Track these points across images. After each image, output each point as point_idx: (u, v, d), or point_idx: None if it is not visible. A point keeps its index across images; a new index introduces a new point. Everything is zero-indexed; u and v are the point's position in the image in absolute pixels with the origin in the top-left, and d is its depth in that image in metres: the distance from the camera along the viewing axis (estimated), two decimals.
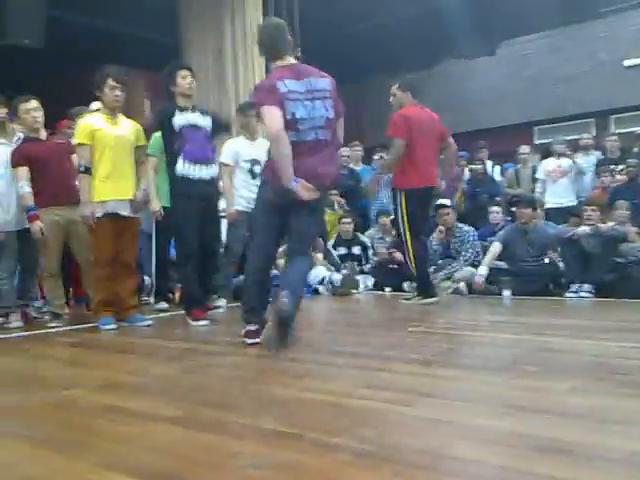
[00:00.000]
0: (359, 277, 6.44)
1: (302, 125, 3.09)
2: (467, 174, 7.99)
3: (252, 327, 3.13)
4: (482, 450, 1.47)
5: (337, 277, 6.26)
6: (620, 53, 9.80)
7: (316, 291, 6.16)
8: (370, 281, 6.48)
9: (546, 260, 5.70)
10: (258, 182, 5.23)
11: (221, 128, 4.43)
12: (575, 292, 5.26)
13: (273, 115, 3.00)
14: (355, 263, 6.64)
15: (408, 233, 4.86)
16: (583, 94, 10.13)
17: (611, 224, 5.38)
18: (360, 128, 11.98)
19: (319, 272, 6.24)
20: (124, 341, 3.62)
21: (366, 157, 8.22)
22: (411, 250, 4.88)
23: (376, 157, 7.67)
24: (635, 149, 7.04)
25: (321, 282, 6.24)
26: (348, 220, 6.82)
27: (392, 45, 10.87)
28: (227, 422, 1.78)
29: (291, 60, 3.28)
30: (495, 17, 9.74)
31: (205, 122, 4.18)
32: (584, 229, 5.32)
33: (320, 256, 6.40)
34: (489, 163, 8.08)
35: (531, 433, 1.57)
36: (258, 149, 5.15)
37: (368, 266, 6.68)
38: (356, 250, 6.76)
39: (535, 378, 2.21)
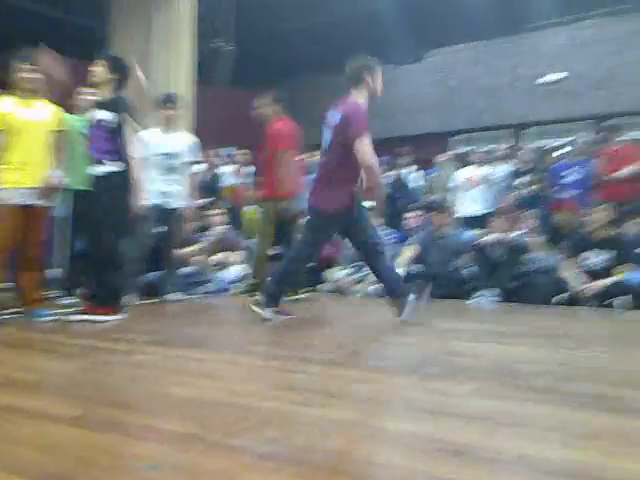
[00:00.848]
0: None
1: None
2: (389, 179, 8.16)
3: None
4: (386, 452, 1.50)
5: None
6: (537, 69, 10.28)
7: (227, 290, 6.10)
8: None
9: (456, 265, 5.90)
10: (174, 176, 5.16)
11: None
12: (482, 297, 5.47)
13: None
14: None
15: (265, 239, 5.26)
16: (500, 106, 10.55)
17: (516, 233, 5.65)
18: None
19: (238, 271, 6.19)
20: (23, 336, 3.45)
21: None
22: (262, 254, 5.28)
23: (302, 157, 7.69)
24: (544, 162, 7.41)
25: (238, 280, 6.19)
26: None
27: (323, 46, 10.94)
28: (127, 422, 1.73)
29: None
30: (424, 25, 9.98)
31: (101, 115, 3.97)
32: (491, 237, 5.54)
33: (238, 255, 6.36)
34: (413, 169, 8.27)
35: (433, 435, 1.61)
36: (174, 142, 5.04)
37: None
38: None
39: (438, 380, 2.28)
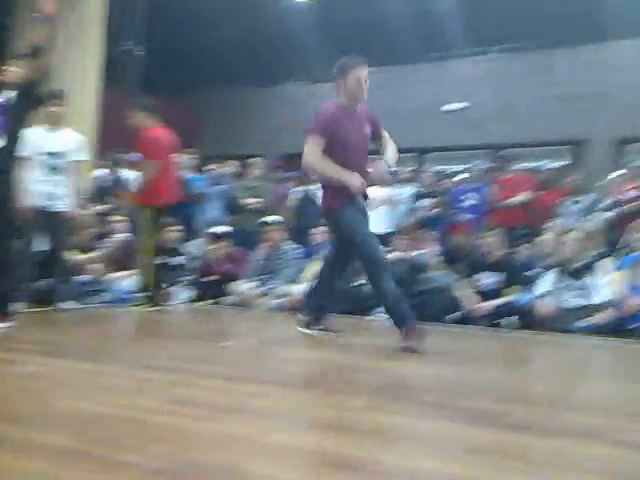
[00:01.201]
0: (177, 288, 6.31)
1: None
2: (294, 194, 8.23)
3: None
4: (277, 466, 1.51)
5: None
6: (440, 97, 10.74)
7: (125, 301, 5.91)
8: (189, 293, 6.37)
9: (359, 282, 6.03)
10: (59, 177, 4.96)
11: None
12: (381, 314, 5.61)
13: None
14: (175, 273, 6.49)
15: (147, 246, 5.25)
16: (405, 131, 10.92)
17: (417, 253, 5.87)
18: (199, 137, 11.85)
19: (132, 281, 6.01)
20: None
21: (202, 166, 8.16)
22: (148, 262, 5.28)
23: (210, 167, 7.65)
24: (445, 185, 7.75)
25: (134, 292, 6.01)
26: (174, 229, 6.67)
27: (236, 59, 10.94)
28: (12, 436, 1.64)
29: None
30: (333, 47, 10.18)
31: None
32: (392, 256, 5.72)
33: None
34: (314, 186, 8.37)
35: (325, 449, 1.64)
36: (59, 141, 4.86)
37: (189, 278, 6.58)
38: (178, 260, 6.62)
39: (334, 395, 2.32)
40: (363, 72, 3.71)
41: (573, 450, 1.74)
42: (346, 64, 3.73)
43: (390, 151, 3.89)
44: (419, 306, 5.58)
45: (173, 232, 6.61)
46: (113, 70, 8.51)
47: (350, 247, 3.71)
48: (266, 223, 6.40)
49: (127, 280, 5.95)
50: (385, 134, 3.99)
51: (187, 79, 11.51)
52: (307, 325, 3.89)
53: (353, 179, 3.56)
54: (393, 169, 4.00)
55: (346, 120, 3.72)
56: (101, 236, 6.25)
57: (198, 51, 10.87)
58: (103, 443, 1.61)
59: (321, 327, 3.87)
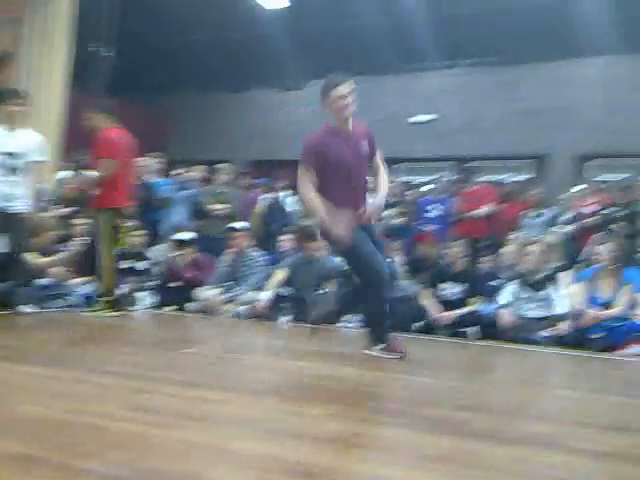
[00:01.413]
0: (141, 294, 6.23)
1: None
2: (262, 202, 8.23)
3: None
4: (239, 474, 1.50)
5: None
6: (409, 108, 10.86)
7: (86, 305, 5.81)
8: (152, 299, 6.30)
9: (325, 290, 6.05)
10: (16, 177, 4.87)
11: None
12: (348, 322, 5.63)
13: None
14: (138, 279, 6.41)
15: (107, 250, 5.21)
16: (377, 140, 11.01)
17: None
18: (165, 141, 11.76)
19: (93, 286, 5.92)
20: None
21: (169, 170, 8.10)
22: (108, 265, 5.24)
23: (176, 172, 7.59)
24: (408, 197, 7.83)
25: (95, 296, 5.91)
26: (139, 233, 6.60)
27: (207, 64, 10.89)
28: None
29: None
30: (305, 55, 10.23)
31: None
32: None
33: None
34: (283, 193, 8.39)
35: (284, 456, 1.63)
36: (18, 141, 4.78)
37: (152, 283, 6.50)
38: (142, 265, 6.54)
39: (296, 403, 2.32)
40: (344, 89, 3.65)
41: (533, 458, 1.77)
42: (327, 85, 3.69)
43: (382, 186, 3.81)
44: None
45: (138, 236, 6.53)
46: (81, 71, 8.38)
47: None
48: (233, 229, 6.37)
49: (88, 284, 5.85)
50: (378, 160, 3.90)
51: (157, 82, 11.42)
52: (371, 346, 3.73)
53: (334, 223, 3.48)
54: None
55: (336, 141, 3.67)
56: (63, 239, 6.13)
57: (169, 54, 10.79)
58: (62, 450, 1.57)
59: (382, 347, 3.69)
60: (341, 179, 3.61)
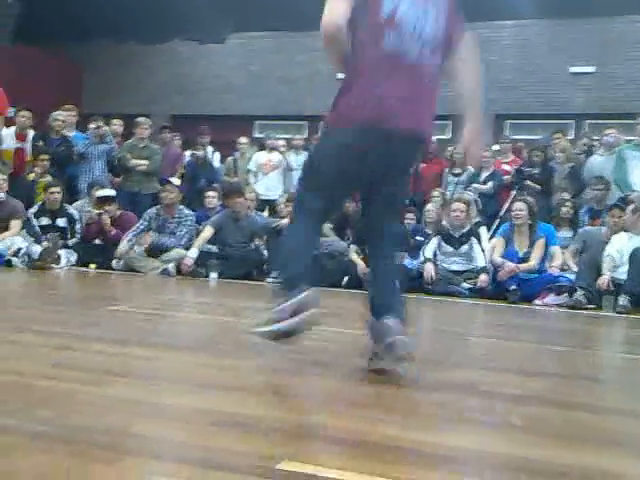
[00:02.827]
0: (62, 251, 6.01)
1: (406, 28, 2.06)
2: (187, 157, 8.04)
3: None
4: (165, 427, 1.50)
5: (36, 249, 5.75)
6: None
7: (9, 263, 5.58)
8: (74, 256, 6.10)
9: (252, 247, 6.04)
10: None
11: None
12: (275, 278, 5.66)
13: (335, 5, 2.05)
14: (58, 235, 6.17)
15: None
16: (300, 97, 10.90)
17: None
18: (77, 93, 11.18)
19: (14, 242, 5.67)
20: None
21: (82, 124, 7.72)
22: None
23: (92, 125, 7.25)
24: None
25: (16, 253, 5.67)
26: (57, 189, 6.31)
27: (122, 13, 10.32)
28: None
29: None
30: (227, 7, 9.91)
31: None
32: (286, 221, 5.76)
33: (18, 224, 5.83)
34: (209, 149, 8.22)
35: (213, 409, 1.64)
36: None
37: (73, 240, 6.28)
38: (61, 222, 6.29)
39: (226, 357, 2.33)
40: None
41: (451, 403, 1.86)
42: None
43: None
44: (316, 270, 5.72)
45: (56, 193, 6.27)
46: None
47: None
48: (168, 182, 6.21)
49: (7, 240, 5.62)
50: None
51: (68, 30, 10.72)
52: None
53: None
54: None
55: None
56: None
57: (79, 1, 10.14)
58: None
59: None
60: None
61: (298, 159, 7.63)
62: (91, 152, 7.13)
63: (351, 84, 2.13)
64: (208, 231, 6.02)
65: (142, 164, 7.12)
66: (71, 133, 7.33)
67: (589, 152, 7.20)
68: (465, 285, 5.59)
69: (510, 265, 5.41)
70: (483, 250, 5.75)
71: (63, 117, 7.11)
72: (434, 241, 5.83)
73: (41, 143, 6.91)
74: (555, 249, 5.74)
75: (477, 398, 1.93)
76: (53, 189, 6.26)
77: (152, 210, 6.19)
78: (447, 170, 7.51)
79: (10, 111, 7.59)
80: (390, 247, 2.29)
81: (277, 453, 1.32)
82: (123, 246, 5.94)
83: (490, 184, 7.06)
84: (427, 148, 2.08)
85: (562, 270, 5.65)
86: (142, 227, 6.11)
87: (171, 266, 5.80)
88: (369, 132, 2.07)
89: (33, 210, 6.27)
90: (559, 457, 1.41)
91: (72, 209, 6.45)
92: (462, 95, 2.23)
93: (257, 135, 10.78)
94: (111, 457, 1.28)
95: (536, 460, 1.38)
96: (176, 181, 6.37)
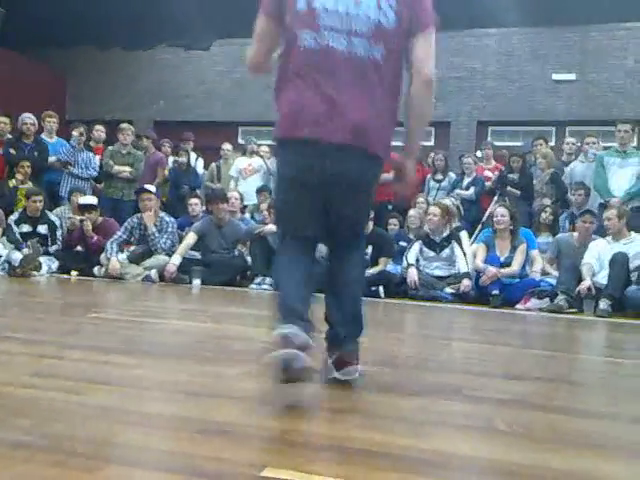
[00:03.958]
0: (43, 258, 5.95)
1: (324, 21, 1.78)
2: (170, 163, 8.00)
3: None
4: (149, 436, 1.48)
5: (16, 256, 5.69)
6: None
7: None
8: (55, 263, 6.04)
9: (236, 253, 6.03)
10: None
11: None
12: (259, 284, 5.66)
13: None
14: (39, 242, 6.10)
15: None
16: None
17: None
18: (61, 99, 11.11)
19: None
20: None
21: (65, 131, 7.65)
22: None
23: (75, 133, 7.19)
24: None
25: None
26: (38, 198, 6.25)
27: (106, 19, 10.27)
28: None
29: None
30: (211, 14, 9.90)
31: None
32: (271, 227, 5.75)
33: None
34: (193, 155, 8.18)
35: (198, 417, 1.63)
36: None
37: (55, 247, 6.22)
38: (42, 229, 6.23)
39: (209, 364, 2.31)
40: None
41: (434, 407, 1.86)
42: None
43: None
44: None
45: (38, 201, 6.20)
46: None
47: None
48: (146, 190, 6.17)
49: None
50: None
51: (51, 36, 10.66)
52: None
53: None
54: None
55: None
56: None
57: (62, 7, 10.07)
58: None
59: None
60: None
61: None
62: (73, 159, 7.06)
63: (279, 96, 1.89)
64: (191, 237, 5.99)
65: (125, 170, 7.08)
66: (51, 140, 7.27)
67: (576, 154, 7.18)
68: (448, 290, 5.62)
69: (492, 270, 5.44)
70: (465, 254, 5.79)
71: (32, 120, 7.01)
72: (416, 246, 5.86)
73: (12, 151, 6.78)
74: (535, 253, 5.80)
75: (461, 402, 1.93)
76: (35, 197, 6.19)
77: (134, 219, 6.13)
78: (429, 176, 7.55)
79: None
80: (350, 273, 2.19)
81: (262, 460, 1.32)
82: (108, 254, 5.89)
83: (472, 190, 7.11)
84: (383, 161, 1.80)
85: (543, 274, 5.71)
86: (124, 237, 6.05)
87: (153, 273, 5.76)
88: (299, 151, 1.81)
89: (14, 217, 6.21)
90: (543, 460, 1.42)
91: (53, 216, 6.39)
92: (410, 109, 1.91)
93: (241, 142, 10.76)
94: (93, 466, 1.26)
95: (520, 464, 1.38)
96: (151, 187, 6.31)
